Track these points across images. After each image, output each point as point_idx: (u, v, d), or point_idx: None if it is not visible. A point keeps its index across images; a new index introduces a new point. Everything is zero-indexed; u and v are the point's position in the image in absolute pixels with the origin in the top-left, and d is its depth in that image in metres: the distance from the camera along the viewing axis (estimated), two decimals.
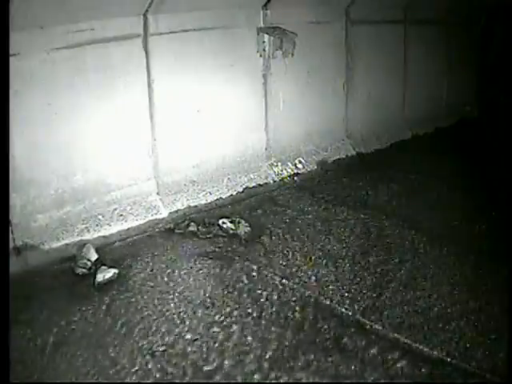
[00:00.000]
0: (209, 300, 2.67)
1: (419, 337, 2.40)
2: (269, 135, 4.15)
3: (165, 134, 3.50)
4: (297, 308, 2.61)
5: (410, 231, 3.41)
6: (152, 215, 3.43)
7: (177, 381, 2.16)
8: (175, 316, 2.54)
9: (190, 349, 2.32)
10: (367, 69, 4.82)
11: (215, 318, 2.53)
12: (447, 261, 3.06)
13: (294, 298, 2.69)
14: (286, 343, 2.35)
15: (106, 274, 2.81)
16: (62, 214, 3.10)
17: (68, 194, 3.12)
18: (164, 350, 2.31)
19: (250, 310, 2.59)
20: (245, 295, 2.71)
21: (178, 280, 2.84)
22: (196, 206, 3.64)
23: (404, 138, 5.26)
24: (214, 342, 2.36)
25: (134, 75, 3.29)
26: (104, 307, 2.60)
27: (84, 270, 2.89)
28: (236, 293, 2.73)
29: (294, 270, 2.96)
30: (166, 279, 2.85)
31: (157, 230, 3.41)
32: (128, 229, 3.30)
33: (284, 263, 3.03)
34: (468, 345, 2.35)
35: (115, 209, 3.32)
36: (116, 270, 2.85)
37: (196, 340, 2.37)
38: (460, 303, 2.65)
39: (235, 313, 2.57)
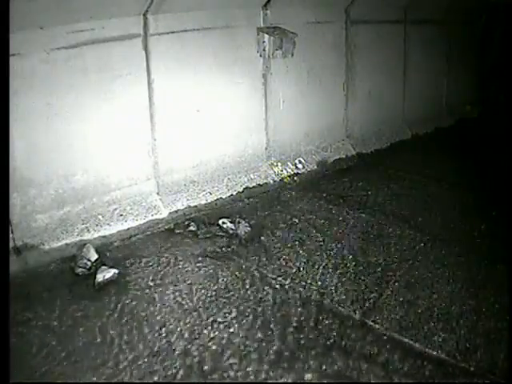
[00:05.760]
0: (209, 300, 2.67)
1: (419, 337, 2.40)
2: (269, 135, 4.15)
3: (165, 134, 3.50)
4: (297, 308, 2.61)
5: (410, 231, 3.41)
6: (152, 215, 3.43)
7: (177, 381, 2.16)
8: (175, 316, 2.54)
9: (190, 349, 2.32)
10: (367, 69, 4.83)
11: (216, 317, 2.53)
12: (447, 261, 3.06)
13: (294, 298, 2.69)
14: (287, 343, 2.35)
15: (106, 274, 2.81)
16: (62, 213, 3.11)
17: (68, 194, 3.12)
18: (164, 350, 2.31)
19: (250, 310, 2.59)
20: (245, 295, 2.71)
21: (178, 280, 2.84)
22: (196, 206, 3.65)
23: (404, 138, 5.27)
24: (215, 342, 2.36)
25: (134, 75, 3.29)
26: (104, 307, 2.60)
27: (84, 270, 2.89)
28: (236, 293, 2.73)
29: (294, 269, 2.96)
30: (166, 279, 2.85)
31: (157, 230, 3.41)
32: (128, 229, 3.30)
33: (284, 263, 3.03)
34: (468, 345, 2.35)
35: (115, 209, 3.32)
36: (116, 270, 2.86)
37: (196, 340, 2.37)
38: (460, 303, 2.65)
39: (236, 313, 2.57)
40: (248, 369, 2.20)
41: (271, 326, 2.47)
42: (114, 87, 3.21)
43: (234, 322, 2.50)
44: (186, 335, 2.40)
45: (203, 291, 2.74)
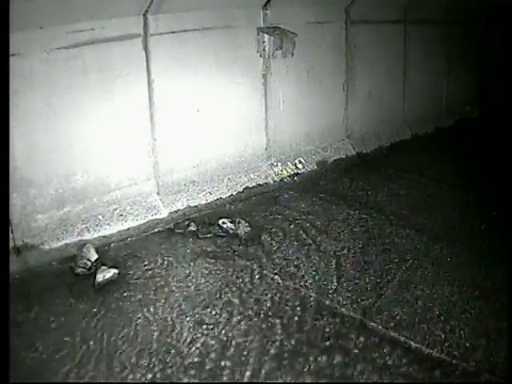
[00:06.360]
0: (209, 300, 2.67)
1: (419, 337, 2.40)
2: (269, 135, 4.15)
3: (165, 134, 3.50)
4: (297, 308, 2.61)
5: (410, 231, 3.41)
6: (152, 215, 3.43)
7: (177, 381, 2.16)
8: (175, 316, 2.54)
9: (190, 349, 2.32)
10: (367, 69, 4.83)
11: (215, 317, 2.53)
12: (447, 261, 3.06)
13: (294, 298, 2.69)
14: (287, 343, 2.35)
15: (106, 274, 2.81)
16: (62, 214, 3.11)
17: (68, 193, 3.12)
18: (164, 350, 2.31)
19: (250, 310, 2.59)
20: (245, 295, 2.71)
21: (178, 280, 2.84)
22: (196, 206, 3.65)
23: (404, 137, 5.27)
24: (215, 342, 2.36)
25: (134, 75, 3.29)
26: (104, 307, 2.60)
27: (84, 270, 2.89)
28: (236, 293, 2.73)
29: (294, 269, 2.96)
30: (166, 279, 2.85)
31: (157, 230, 3.41)
32: (128, 229, 3.30)
33: (284, 263, 3.03)
34: (468, 345, 2.35)
35: (115, 209, 3.32)
36: (116, 270, 2.86)
37: (196, 340, 2.37)
38: (460, 303, 2.65)
39: (236, 313, 2.57)
40: (248, 369, 2.20)
41: (271, 325, 2.47)
42: (114, 87, 3.21)
43: (234, 321, 2.50)
44: (186, 335, 2.41)
45: (203, 291, 2.74)
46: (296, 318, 2.53)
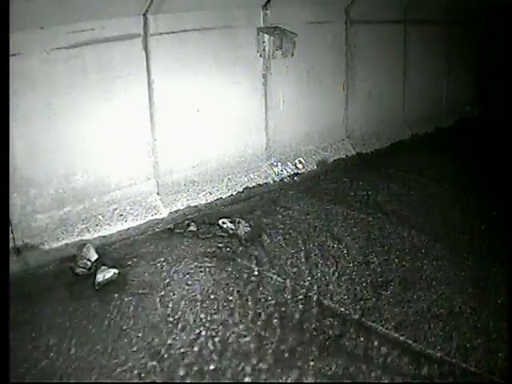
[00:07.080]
0: (209, 300, 2.67)
1: (419, 336, 2.40)
2: (269, 135, 4.15)
3: (165, 134, 3.50)
4: (297, 308, 2.61)
5: (410, 231, 3.41)
6: (152, 215, 3.43)
7: (177, 381, 2.16)
8: (175, 316, 2.54)
9: (190, 349, 2.32)
10: (367, 69, 4.83)
11: (215, 317, 2.53)
12: (447, 261, 3.06)
13: (294, 298, 2.69)
14: (287, 343, 2.35)
15: (106, 274, 2.81)
16: (62, 213, 3.11)
17: (68, 194, 3.12)
18: (164, 350, 2.31)
19: (250, 310, 2.59)
20: (245, 295, 2.71)
21: (178, 280, 2.84)
22: (196, 206, 3.65)
23: (404, 137, 5.27)
24: (214, 342, 2.36)
25: (134, 75, 3.29)
26: (104, 307, 2.60)
27: (84, 270, 2.89)
28: (236, 293, 2.73)
29: (294, 269, 2.96)
30: (165, 279, 2.85)
31: (157, 229, 3.41)
32: (128, 229, 3.30)
33: (284, 263, 3.03)
34: (468, 345, 2.35)
35: (115, 209, 3.32)
36: (116, 270, 2.86)
37: (196, 340, 2.37)
38: (460, 303, 2.65)
39: (235, 313, 2.57)
40: (248, 369, 2.20)
41: (271, 325, 2.47)
42: (114, 87, 3.21)
43: (234, 322, 2.50)
44: (186, 335, 2.41)
45: (203, 291, 2.74)
46: (296, 318, 2.53)
